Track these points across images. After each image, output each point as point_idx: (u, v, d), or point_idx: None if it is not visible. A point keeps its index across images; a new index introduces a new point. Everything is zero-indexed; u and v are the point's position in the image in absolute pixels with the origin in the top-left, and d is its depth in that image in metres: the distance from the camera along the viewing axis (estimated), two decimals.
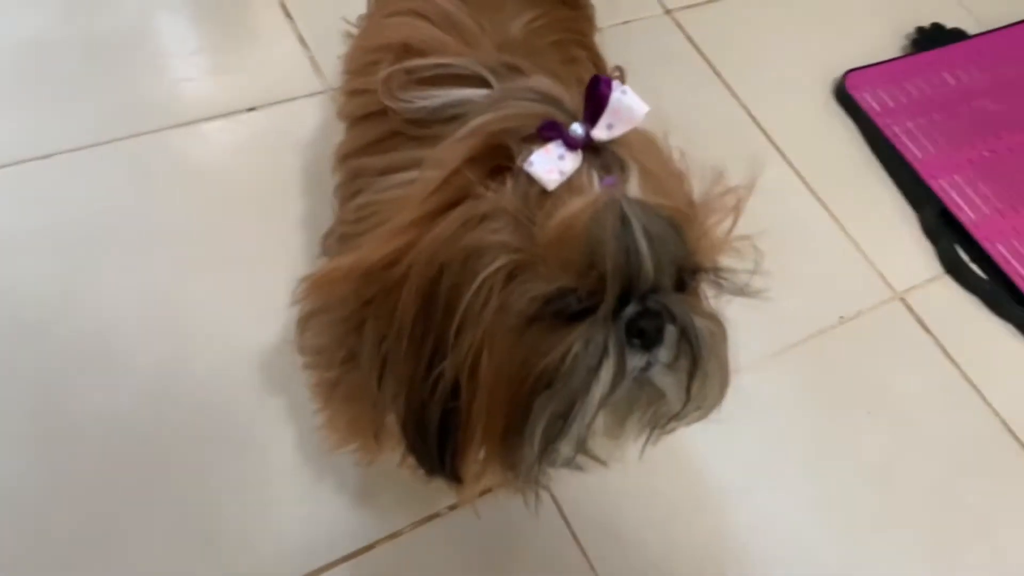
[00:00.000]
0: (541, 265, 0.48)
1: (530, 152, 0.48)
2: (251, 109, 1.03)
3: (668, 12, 1.30)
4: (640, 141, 0.51)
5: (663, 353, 0.51)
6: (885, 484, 0.94)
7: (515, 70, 0.65)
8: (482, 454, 0.55)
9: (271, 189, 0.97)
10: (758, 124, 1.21)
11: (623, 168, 0.49)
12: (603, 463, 0.57)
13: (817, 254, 1.12)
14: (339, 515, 0.79)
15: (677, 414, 0.55)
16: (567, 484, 0.85)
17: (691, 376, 0.52)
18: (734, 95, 1.23)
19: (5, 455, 0.78)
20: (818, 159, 1.20)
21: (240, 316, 0.88)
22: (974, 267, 1.14)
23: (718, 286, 0.56)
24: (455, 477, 0.56)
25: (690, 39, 1.27)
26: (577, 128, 0.49)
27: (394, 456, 0.70)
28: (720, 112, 1.21)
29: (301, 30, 1.11)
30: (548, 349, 0.50)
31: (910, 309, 1.09)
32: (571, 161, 0.48)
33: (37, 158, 0.95)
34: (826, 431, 0.97)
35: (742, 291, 0.57)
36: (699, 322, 0.51)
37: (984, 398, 1.04)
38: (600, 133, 0.49)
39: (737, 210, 0.54)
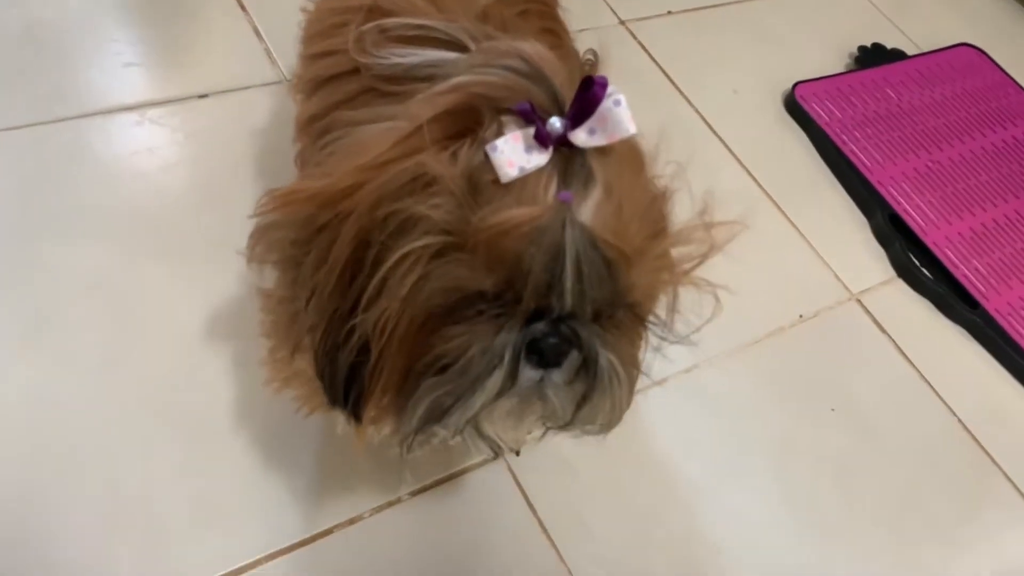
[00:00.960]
0: (467, 257, 0.46)
1: (499, 131, 0.46)
2: (202, 96, 0.99)
3: (622, 23, 1.31)
4: (619, 155, 0.48)
5: (558, 374, 0.50)
6: (845, 478, 0.94)
7: (493, 39, 0.64)
8: (384, 402, 0.53)
9: (221, 175, 0.93)
10: (715, 132, 1.23)
11: (587, 182, 0.46)
12: (499, 449, 0.57)
13: (775, 256, 1.12)
14: (296, 500, 0.74)
15: (564, 425, 0.54)
16: (535, 473, 0.82)
17: (581, 402, 0.51)
18: (690, 104, 1.25)
19: None
20: (773, 166, 1.22)
21: (188, 302, 0.83)
22: (924, 271, 1.16)
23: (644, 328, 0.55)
24: (355, 416, 0.54)
25: (645, 49, 1.29)
26: (556, 124, 0.45)
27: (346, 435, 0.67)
28: (677, 120, 1.22)
29: (256, 22, 1.09)
30: (449, 338, 0.49)
31: (866, 310, 1.10)
32: (536, 158, 0.45)
33: None
34: (787, 426, 0.96)
35: (670, 338, 0.56)
36: (604, 358, 0.49)
37: (940, 396, 1.04)
38: (579, 138, 0.46)
39: (712, 249, 0.53)
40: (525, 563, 0.78)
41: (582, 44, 1.27)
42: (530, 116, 0.45)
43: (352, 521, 0.75)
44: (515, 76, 0.48)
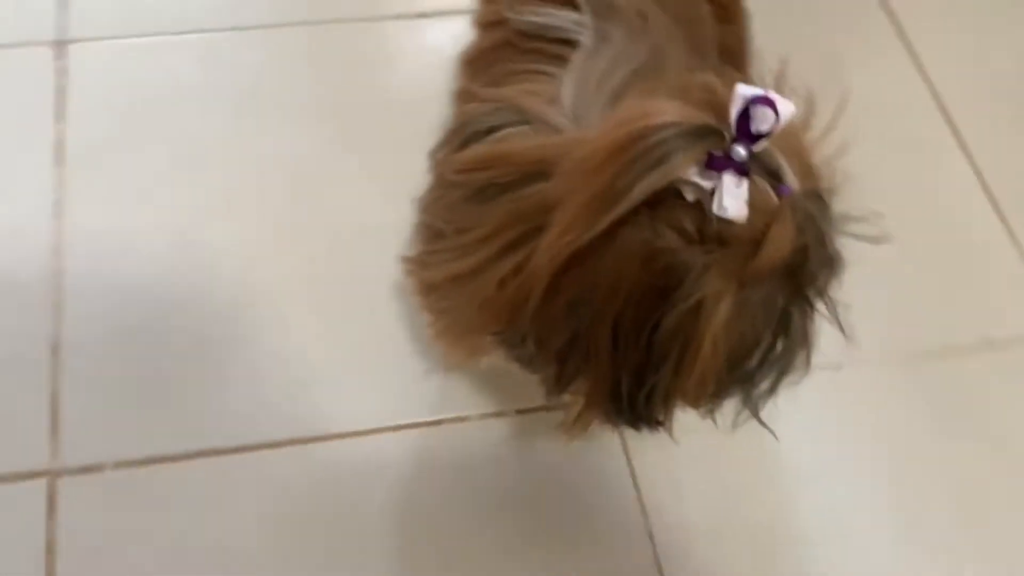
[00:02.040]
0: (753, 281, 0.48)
1: (716, 195, 0.45)
2: (421, 16, 1.09)
3: None
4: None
5: None
6: (968, 505, 0.87)
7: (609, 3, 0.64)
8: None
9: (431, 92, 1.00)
10: (944, 111, 1.11)
11: (775, 160, 0.47)
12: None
13: (977, 263, 1.02)
14: (418, 385, 0.85)
15: None
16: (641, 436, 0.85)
17: None
18: (924, 75, 1.14)
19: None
20: (1010, 166, 1.08)
21: (370, 195, 0.96)
22: None
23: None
24: (656, 423, 0.58)
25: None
26: (741, 152, 0.45)
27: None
28: (902, 89, 1.12)
29: None
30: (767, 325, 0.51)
31: None
32: (743, 185, 0.46)
33: (230, 29, 1.08)
34: (920, 437, 0.90)
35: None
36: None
37: None
38: (759, 146, 0.46)
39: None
40: (607, 508, 0.82)
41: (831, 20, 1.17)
42: (720, 161, 0.45)
43: (460, 419, 0.83)
44: (688, 146, 0.45)
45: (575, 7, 0.61)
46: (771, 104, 0.44)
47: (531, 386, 0.83)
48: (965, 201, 1.06)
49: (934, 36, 1.18)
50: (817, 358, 0.89)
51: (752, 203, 0.46)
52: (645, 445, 0.85)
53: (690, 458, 0.85)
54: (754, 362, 0.53)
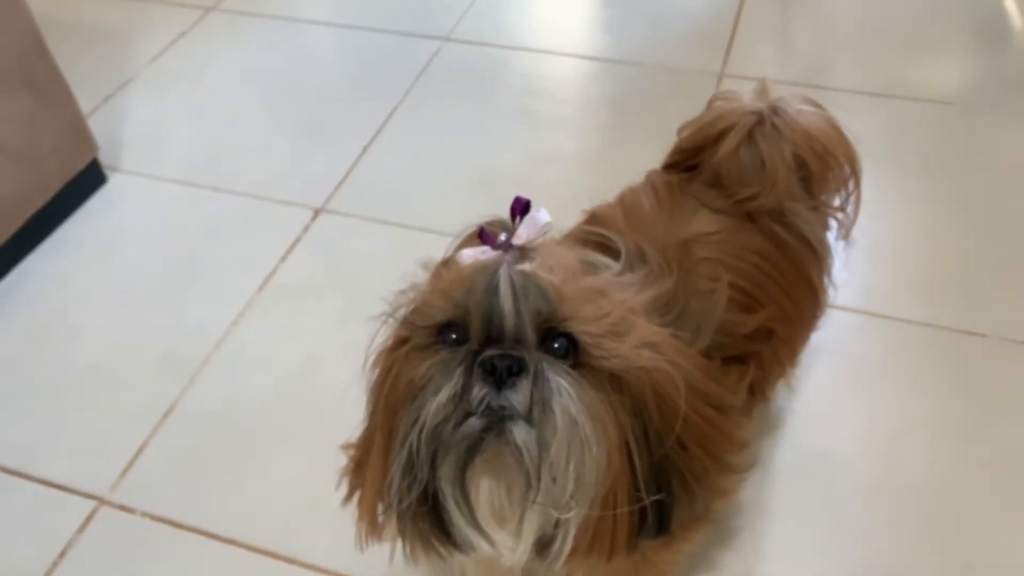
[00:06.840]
0: (437, 303, 0.60)
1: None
2: None
3: None
4: (549, 247, 0.62)
5: (515, 397, 0.55)
6: None
7: (642, 255, 0.75)
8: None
9: None
10: None
11: (528, 259, 0.59)
12: (495, 546, 0.61)
13: None
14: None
15: (547, 496, 0.56)
16: None
17: (542, 445, 0.55)
18: None
19: None
20: None
21: None
22: None
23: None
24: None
25: None
26: (503, 236, 0.61)
27: None
28: None
29: None
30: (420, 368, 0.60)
31: None
32: (490, 254, 0.60)
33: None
34: None
35: None
36: (557, 382, 0.55)
37: None
38: (518, 239, 0.60)
39: None
40: None
41: None
42: (486, 235, 0.61)
43: None
44: (488, 224, 0.64)
45: (617, 256, 0.73)
46: (525, 205, 0.61)
47: None
48: None
49: None
50: None
51: (478, 259, 0.60)
52: None
53: None
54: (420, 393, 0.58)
